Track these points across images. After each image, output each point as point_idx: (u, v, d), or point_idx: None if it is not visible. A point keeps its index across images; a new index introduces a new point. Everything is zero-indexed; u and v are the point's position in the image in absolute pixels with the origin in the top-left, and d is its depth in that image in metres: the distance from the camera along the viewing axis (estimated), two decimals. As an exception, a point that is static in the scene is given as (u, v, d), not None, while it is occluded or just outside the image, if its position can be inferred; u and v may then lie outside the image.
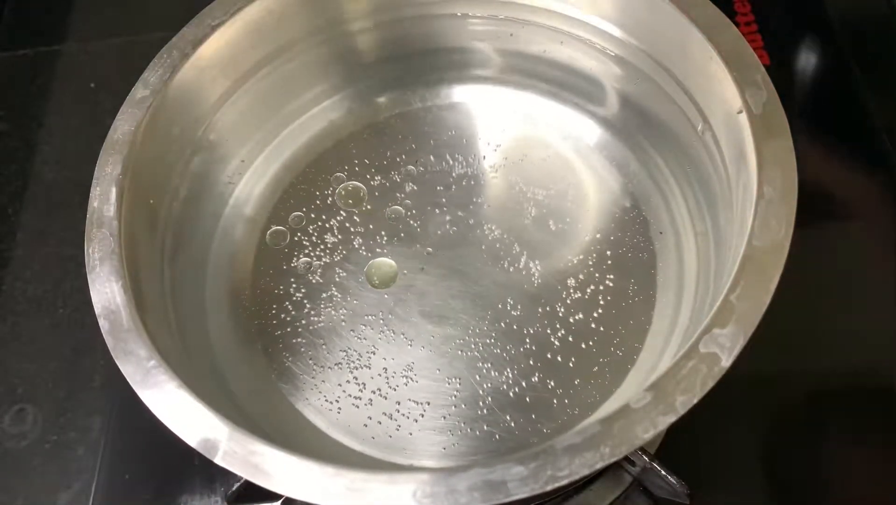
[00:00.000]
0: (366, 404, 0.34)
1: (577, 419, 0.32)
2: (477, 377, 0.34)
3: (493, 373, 0.34)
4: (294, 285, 0.37)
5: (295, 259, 0.37)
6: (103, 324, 0.27)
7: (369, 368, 0.34)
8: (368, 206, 0.39)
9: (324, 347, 0.35)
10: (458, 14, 0.39)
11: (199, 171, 0.36)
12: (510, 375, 0.34)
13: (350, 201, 0.38)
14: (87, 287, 0.28)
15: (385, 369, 0.34)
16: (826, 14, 0.47)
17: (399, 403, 0.33)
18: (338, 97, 0.41)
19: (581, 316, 0.35)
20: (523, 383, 0.33)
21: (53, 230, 0.44)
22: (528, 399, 0.33)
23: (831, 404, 0.36)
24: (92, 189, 0.30)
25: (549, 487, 0.22)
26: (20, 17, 0.53)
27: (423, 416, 0.33)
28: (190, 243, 0.35)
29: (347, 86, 0.41)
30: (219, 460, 0.24)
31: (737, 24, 0.30)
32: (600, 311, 0.35)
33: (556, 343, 0.34)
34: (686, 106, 0.33)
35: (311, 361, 0.35)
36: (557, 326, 0.34)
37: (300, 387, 0.34)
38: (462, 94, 0.41)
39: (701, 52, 0.30)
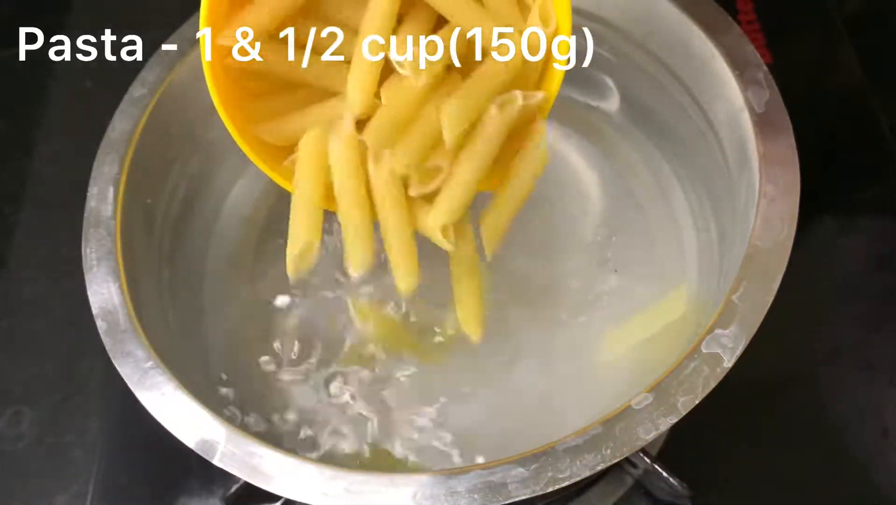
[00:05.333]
0: (365, 404, 0.33)
1: (579, 422, 0.32)
2: (476, 381, 0.33)
3: (492, 376, 0.33)
4: (293, 286, 0.36)
5: (294, 259, 0.37)
6: (101, 324, 0.27)
7: (369, 371, 0.34)
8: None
9: (323, 347, 0.35)
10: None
11: (197, 170, 0.36)
12: (510, 379, 0.33)
13: None
14: (85, 287, 0.28)
15: (385, 371, 0.34)
16: (829, 12, 0.47)
17: (399, 405, 0.33)
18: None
19: (584, 318, 0.34)
20: (524, 386, 0.33)
21: (51, 230, 0.44)
22: (528, 402, 0.33)
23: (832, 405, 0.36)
24: (89, 189, 0.30)
25: (549, 489, 0.22)
26: (19, 17, 0.53)
27: (423, 417, 0.33)
28: (188, 243, 0.35)
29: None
30: (217, 462, 0.24)
31: (739, 23, 0.30)
32: (602, 313, 0.34)
33: (557, 346, 0.34)
34: (688, 104, 0.33)
35: (310, 362, 0.35)
36: (559, 328, 0.34)
37: (299, 387, 0.34)
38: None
39: (703, 51, 0.30)
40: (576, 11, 0.36)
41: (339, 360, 0.34)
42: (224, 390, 0.33)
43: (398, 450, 0.32)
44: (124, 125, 0.31)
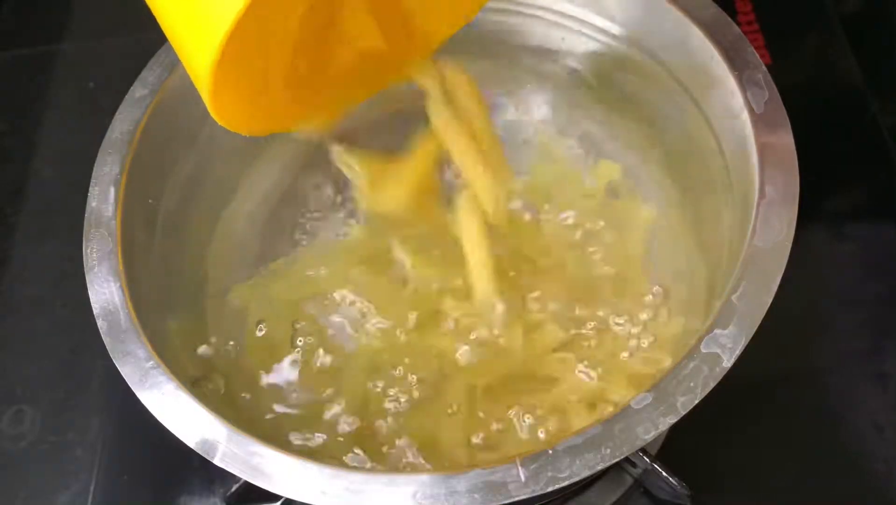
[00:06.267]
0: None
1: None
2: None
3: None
4: (296, 286, 0.36)
5: (298, 259, 0.37)
6: (102, 324, 0.27)
7: (371, 372, 0.34)
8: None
9: (323, 349, 0.35)
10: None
11: (198, 170, 0.36)
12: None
13: None
14: (86, 287, 0.28)
15: (384, 373, 0.34)
16: (828, 13, 0.47)
17: (403, 408, 0.33)
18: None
19: (582, 320, 0.34)
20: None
21: (52, 230, 0.44)
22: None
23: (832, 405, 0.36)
24: (90, 189, 0.30)
25: (549, 489, 0.22)
26: (20, 17, 0.53)
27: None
28: (189, 243, 0.35)
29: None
30: (218, 461, 0.24)
31: (738, 24, 0.30)
32: (600, 315, 0.34)
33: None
34: (687, 105, 0.33)
35: (311, 363, 0.35)
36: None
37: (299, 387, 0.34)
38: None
39: (702, 52, 0.30)
40: (575, 12, 0.36)
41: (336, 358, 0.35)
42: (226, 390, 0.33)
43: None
44: (125, 125, 0.31)
